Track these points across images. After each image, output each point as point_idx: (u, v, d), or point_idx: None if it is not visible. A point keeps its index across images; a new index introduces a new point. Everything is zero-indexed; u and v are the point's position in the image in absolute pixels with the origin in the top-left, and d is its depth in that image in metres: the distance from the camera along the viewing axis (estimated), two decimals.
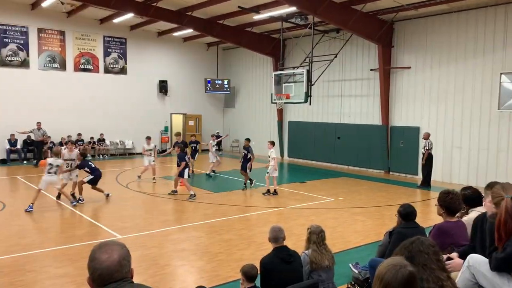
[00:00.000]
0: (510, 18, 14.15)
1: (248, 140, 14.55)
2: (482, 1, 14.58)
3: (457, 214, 4.76)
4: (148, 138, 15.93)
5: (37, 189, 10.66)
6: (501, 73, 14.47)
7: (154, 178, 15.21)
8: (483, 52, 14.85)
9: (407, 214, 5.26)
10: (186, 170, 12.70)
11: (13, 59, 19.85)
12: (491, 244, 3.30)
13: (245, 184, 14.09)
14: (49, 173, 10.59)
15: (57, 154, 10.99)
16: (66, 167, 11.41)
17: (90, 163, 11.92)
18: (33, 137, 19.28)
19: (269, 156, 13.16)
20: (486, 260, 3.36)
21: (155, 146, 17.06)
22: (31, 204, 10.35)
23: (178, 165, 12.58)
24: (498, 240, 3.15)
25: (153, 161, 15.42)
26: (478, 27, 14.94)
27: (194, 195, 12.22)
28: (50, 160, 10.83)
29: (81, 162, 11.64)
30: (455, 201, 4.55)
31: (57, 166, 10.67)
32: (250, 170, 14.04)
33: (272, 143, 13.43)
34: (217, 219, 10.13)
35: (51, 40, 20.85)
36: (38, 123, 19.12)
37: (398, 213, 5.39)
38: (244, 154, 14.17)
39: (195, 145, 17.22)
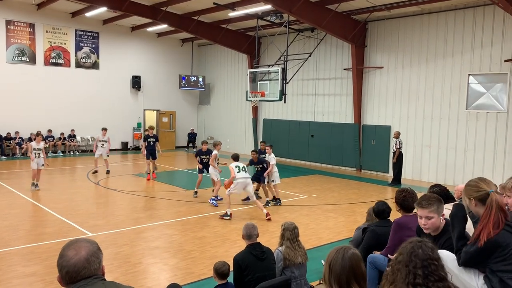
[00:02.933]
0: (478, 21, 14.59)
1: (264, 143, 12.76)
2: (452, 4, 14.97)
3: (414, 210, 4.93)
4: (38, 134, 13.19)
5: None
6: (469, 74, 14.92)
7: (36, 185, 12.51)
8: (452, 54, 15.27)
9: (379, 212, 5.39)
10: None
11: None
12: (459, 240, 3.36)
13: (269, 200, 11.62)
14: None
15: None
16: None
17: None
18: None
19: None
20: (454, 256, 3.42)
21: (45, 145, 13.88)
22: None
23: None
24: (479, 233, 3.19)
25: (42, 164, 12.65)
26: (448, 29, 15.34)
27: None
28: None
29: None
30: (408, 199, 4.82)
31: None
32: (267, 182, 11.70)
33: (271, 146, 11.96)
34: (191, 216, 10.09)
35: (20, 33, 20.24)
36: None
37: (372, 211, 5.50)
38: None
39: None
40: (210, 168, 11.61)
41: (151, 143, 14.96)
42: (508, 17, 13.51)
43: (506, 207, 3.31)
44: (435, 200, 3.69)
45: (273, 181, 11.55)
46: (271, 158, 11.60)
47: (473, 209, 3.44)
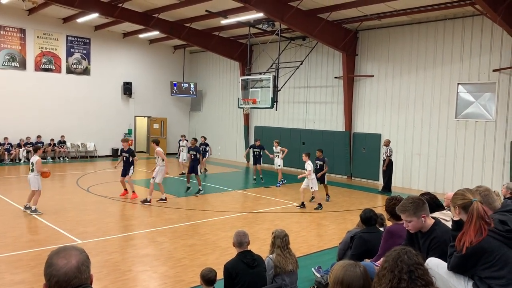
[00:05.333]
0: (467, 31, 14.80)
1: (320, 151, 13.35)
2: (441, 14, 15.18)
3: None
4: (38, 148, 11.17)
5: None
6: (458, 84, 15.10)
7: (30, 207, 10.47)
8: (442, 63, 15.46)
9: (367, 219, 5.43)
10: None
11: None
12: (453, 246, 3.41)
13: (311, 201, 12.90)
14: None
15: None
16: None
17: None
18: None
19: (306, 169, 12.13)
20: (445, 263, 3.48)
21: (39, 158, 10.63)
22: None
23: None
24: (462, 240, 3.25)
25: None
26: (437, 38, 15.54)
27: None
28: None
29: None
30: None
31: None
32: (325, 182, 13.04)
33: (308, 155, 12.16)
34: (181, 224, 10.04)
35: (10, 38, 20.11)
36: None
37: (359, 218, 5.55)
38: (318, 166, 12.95)
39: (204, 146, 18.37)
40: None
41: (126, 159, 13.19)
42: (496, 28, 13.72)
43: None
44: (411, 204, 3.75)
45: (311, 188, 12.08)
46: (307, 165, 12.01)
47: (457, 217, 3.53)
